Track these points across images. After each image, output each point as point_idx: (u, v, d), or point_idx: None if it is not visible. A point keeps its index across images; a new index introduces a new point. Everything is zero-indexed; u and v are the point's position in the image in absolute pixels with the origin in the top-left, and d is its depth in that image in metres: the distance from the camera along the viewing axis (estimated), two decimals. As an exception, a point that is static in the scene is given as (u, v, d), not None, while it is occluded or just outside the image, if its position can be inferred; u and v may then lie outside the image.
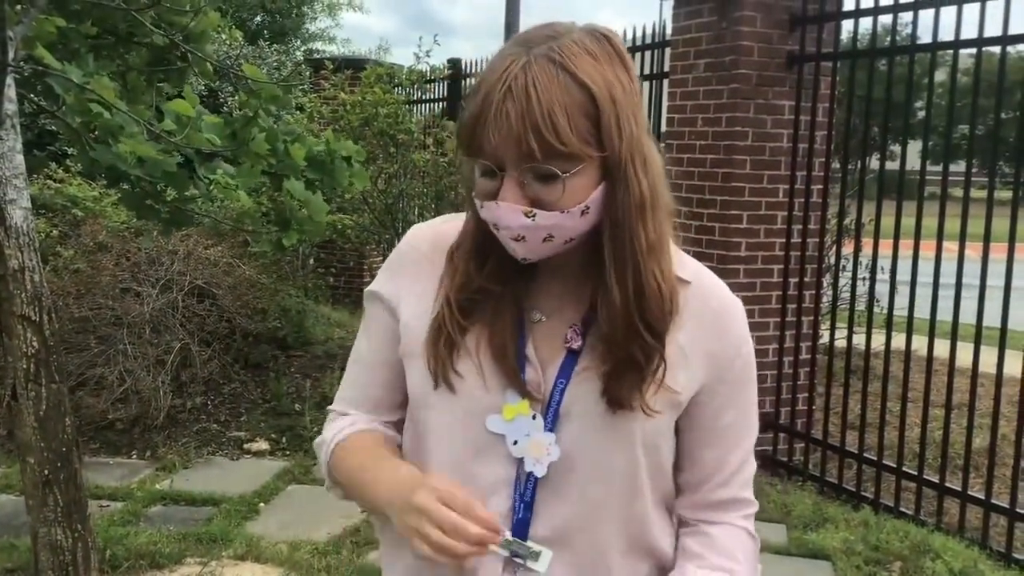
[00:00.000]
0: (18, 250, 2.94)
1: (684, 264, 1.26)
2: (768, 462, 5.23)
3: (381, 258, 7.81)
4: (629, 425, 1.19)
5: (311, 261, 9.39)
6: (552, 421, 1.20)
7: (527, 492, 1.21)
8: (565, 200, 1.11)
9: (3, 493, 4.60)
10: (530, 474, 1.20)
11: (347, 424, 1.35)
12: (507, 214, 1.11)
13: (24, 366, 2.98)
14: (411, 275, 1.30)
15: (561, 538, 1.21)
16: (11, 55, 2.83)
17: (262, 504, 4.58)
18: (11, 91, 2.91)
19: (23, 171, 2.97)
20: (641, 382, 1.18)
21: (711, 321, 1.25)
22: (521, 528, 1.20)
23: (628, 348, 1.17)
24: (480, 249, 1.22)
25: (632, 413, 1.19)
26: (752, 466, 1.33)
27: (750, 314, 5.20)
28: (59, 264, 6.03)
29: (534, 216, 1.11)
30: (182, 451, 5.26)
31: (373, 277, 1.37)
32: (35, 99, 3.40)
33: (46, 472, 3.03)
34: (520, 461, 1.21)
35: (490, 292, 1.22)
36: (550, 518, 1.21)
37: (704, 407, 1.26)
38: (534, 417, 1.20)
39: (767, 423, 5.27)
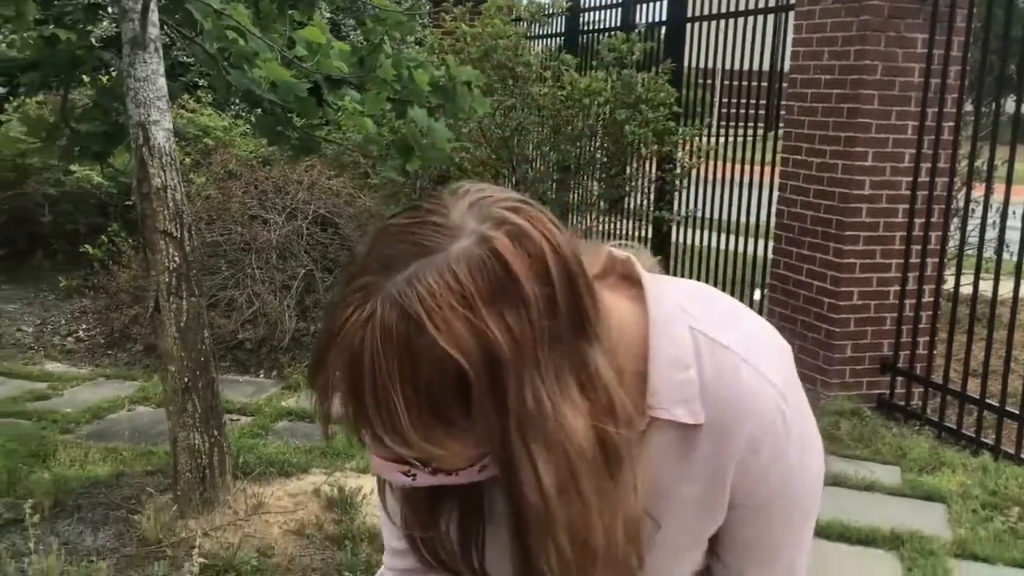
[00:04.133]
0: (161, 169, 3.10)
1: (687, 395, 0.90)
2: (884, 405, 5.16)
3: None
4: None
5: (429, 195, 9.55)
6: None
7: None
8: (447, 468, 0.86)
9: (140, 404, 4.90)
10: None
11: None
12: (386, 472, 0.87)
13: (166, 279, 3.16)
14: None
15: None
16: (156, -19, 2.96)
17: (381, 424, 4.75)
18: (155, 16, 3.05)
19: (165, 94, 3.12)
20: None
21: (740, 464, 0.92)
22: None
23: None
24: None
25: None
26: None
27: (870, 254, 5.02)
28: (192, 190, 6.29)
29: (414, 476, 0.86)
30: (306, 372, 5.48)
31: None
32: (170, 30, 3.55)
33: (186, 380, 3.22)
34: None
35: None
36: None
37: None
38: None
39: (885, 365, 5.19)
